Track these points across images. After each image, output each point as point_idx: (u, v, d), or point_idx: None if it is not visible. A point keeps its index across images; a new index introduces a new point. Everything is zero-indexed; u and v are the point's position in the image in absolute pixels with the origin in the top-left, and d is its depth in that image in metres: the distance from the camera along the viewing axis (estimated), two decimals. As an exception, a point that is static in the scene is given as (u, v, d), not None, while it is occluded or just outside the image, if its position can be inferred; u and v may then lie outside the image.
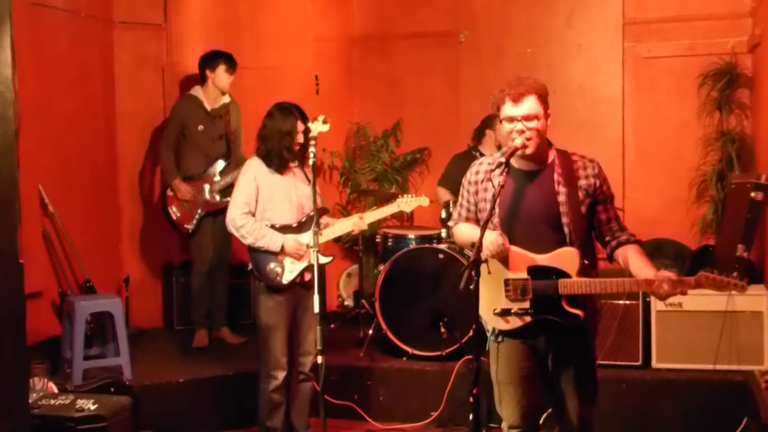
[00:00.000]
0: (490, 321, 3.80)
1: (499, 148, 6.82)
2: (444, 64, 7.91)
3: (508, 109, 3.70)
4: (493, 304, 3.74)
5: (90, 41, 6.76)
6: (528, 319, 3.70)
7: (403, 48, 8.03)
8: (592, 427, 3.92)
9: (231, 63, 6.70)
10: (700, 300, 5.53)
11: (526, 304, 3.69)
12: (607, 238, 3.80)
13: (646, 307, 5.68)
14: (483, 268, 3.60)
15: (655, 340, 5.66)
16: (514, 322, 3.73)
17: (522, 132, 3.66)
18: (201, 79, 6.78)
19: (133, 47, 7.25)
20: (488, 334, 3.89)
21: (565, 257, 3.66)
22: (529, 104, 3.67)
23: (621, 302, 5.64)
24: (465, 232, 3.93)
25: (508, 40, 7.67)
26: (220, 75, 6.69)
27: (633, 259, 3.70)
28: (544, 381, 3.85)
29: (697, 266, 6.41)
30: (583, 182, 3.74)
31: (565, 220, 3.69)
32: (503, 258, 3.70)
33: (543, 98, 3.72)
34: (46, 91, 6.02)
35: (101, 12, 6.96)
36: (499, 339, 3.83)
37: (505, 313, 3.72)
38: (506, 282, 3.72)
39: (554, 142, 3.85)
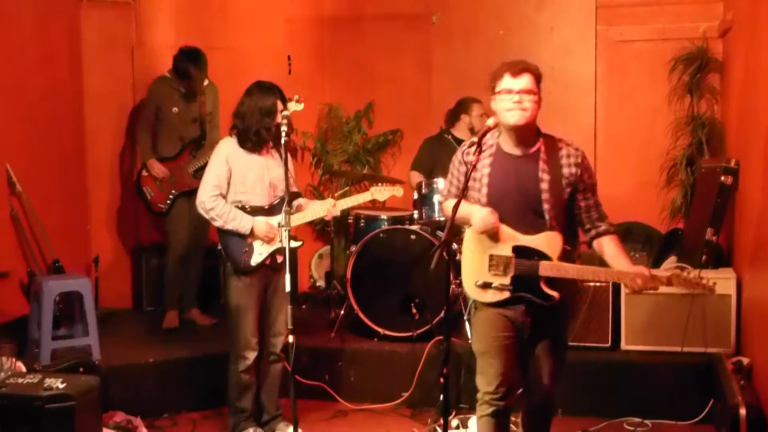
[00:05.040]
0: (470, 292, 3.96)
1: (472, 131, 6.85)
2: (416, 46, 7.89)
3: (507, 81, 3.80)
4: (476, 277, 3.91)
5: (56, 19, 6.65)
6: (507, 294, 3.86)
7: (375, 29, 7.99)
8: (555, 401, 4.17)
9: (199, 78, 6.61)
10: (669, 282, 5.58)
11: (507, 281, 3.86)
12: (587, 226, 3.95)
13: (616, 289, 5.72)
14: (469, 241, 3.79)
15: (624, 322, 5.71)
16: (494, 296, 3.88)
17: (520, 102, 3.76)
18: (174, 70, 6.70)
19: (100, 26, 7.16)
20: (468, 304, 4.12)
21: (549, 241, 3.81)
22: (527, 80, 3.80)
23: (591, 284, 5.67)
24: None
25: (480, 23, 7.67)
26: (186, 86, 6.62)
27: (610, 250, 3.88)
28: (520, 352, 3.97)
29: (666, 249, 6.48)
30: (565, 170, 3.87)
31: (546, 206, 3.83)
32: (492, 233, 3.85)
33: (538, 81, 3.85)
34: (10, 70, 5.91)
35: (68, -11, 6.86)
36: (477, 308, 3.98)
37: (485, 286, 3.88)
38: (491, 257, 3.87)
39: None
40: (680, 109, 7.03)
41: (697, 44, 6.92)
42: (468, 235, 4.00)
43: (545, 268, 3.79)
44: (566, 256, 3.83)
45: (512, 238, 3.84)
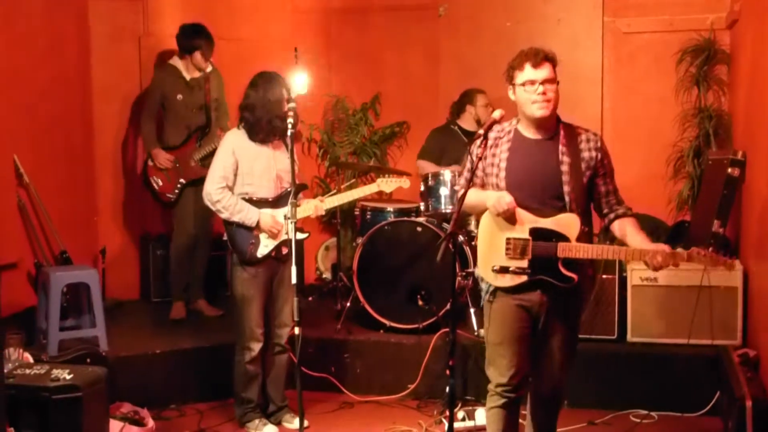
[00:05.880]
0: (487, 277, 3.93)
1: (478, 122, 6.84)
2: (423, 38, 7.87)
3: (529, 72, 3.82)
4: (492, 261, 3.89)
5: (64, 10, 6.64)
6: (524, 278, 3.84)
7: (381, 21, 7.98)
8: (564, 391, 4.19)
9: (208, 47, 6.62)
10: (676, 275, 5.55)
11: (524, 264, 3.84)
12: (605, 210, 3.96)
13: (623, 281, 5.72)
14: (485, 226, 3.78)
15: (630, 314, 5.70)
16: (511, 280, 3.87)
17: (544, 93, 3.80)
18: (179, 51, 6.71)
19: (108, 17, 7.16)
20: (482, 294, 4.02)
21: (567, 222, 3.81)
22: (548, 69, 3.83)
23: (597, 276, 5.67)
24: (471, 196, 4.00)
25: (486, 14, 7.66)
26: (198, 59, 6.63)
27: (630, 230, 3.88)
28: (533, 343, 3.97)
29: (673, 241, 6.45)
30: (585, 154, 3.90)
31: (566, 189, 3.84)
32: (508, 217, 3.84)
33: (555, 67, 3.87)
34: (19, 61, 5.92)
35: (76, -20, 6.86)
36: (493, 297, 3.94)
37: (502, 270, 3.86)
38: (507, 240, 3.86)
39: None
40: (687, 100, 7.01)
41: (704, 36, 6.90)
42: (484, 219, 3.98)
43: (563, 250, 3.78)
44: (584, 237, 3.83)
45: (529, 220, 3.84)
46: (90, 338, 5.66)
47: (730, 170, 5.75)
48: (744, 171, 5.74)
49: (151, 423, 5.13)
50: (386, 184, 5.56)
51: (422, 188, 6.36)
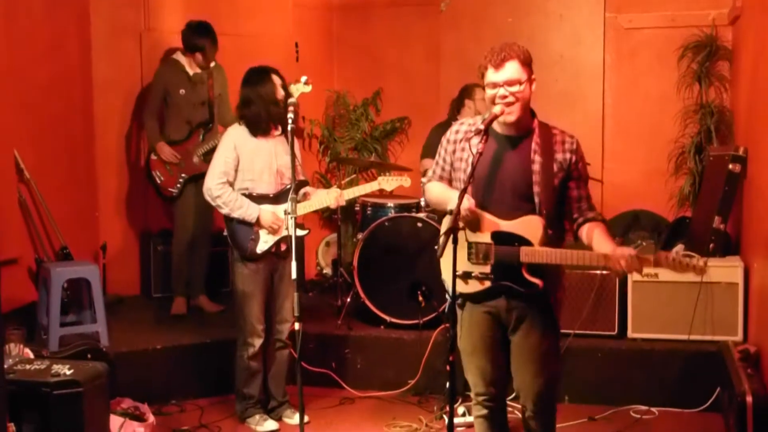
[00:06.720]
0: (451, 283, 3.74)
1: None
2: (424, 33, 7.88)
3: (491, 75, 3.67)
4: (456, 266, 3.66)
5: (65, 6, 6.64)
6: (488, 283, 3.71)
7: (383, 16, 7.99)
8: (550, 404, 3.91)
9: (212, 49, 6.63)
10: (677, 271, 5.56)
11: (487, 269, 3.70)
12: (575, 215, 3.77)
13: (623, 277, 5.71)
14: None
15: (631, 310, 5.71)
16: (474, 286, 3.74)
17: (504, 97, 3.63)
18: (183, 47, 6.70)
19: (110, 13, 7.15)
20: (448, 297, 3.84)
21: (530, 225, 3.65)
22: (511, 69, 3.64)
23: (598, 272, 5.67)
24: (436, 190, 3.91)
25: (488, 10, 7.65)
26: (199, 59, 6.63)
27: (595, 234, 3.67)
28: (507, 350, 3.83)
29: (674, 238, 6.47)
30: (559, 156, 3.71)
31: (536, 189, 3.67)
32: (469, 221, 3.69)
33: (526, 64, 3.68)
34: (20, 57, 5.92)
35: (77, -24, 6.85)
36: (461, 304, 3.82)
37: (465, 275, 3.72)
38: (469, 245, 3.72)
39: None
40: (689, 96, 7.01)
41: (706, 32, 6.90)
42: (446, 223, 3.83)
43: (526, 254, 3.61)
44: (549, 241, 3.66)
45: (491, 224, 3.68)
46: (91, 334, 5.67)
47: (731, 166, 5.75)
48: (745, 167, 5.74)
49: (151, 418, 5.12)
50: (387, 183, 5.56)
51: (423, 182, 6.36)
